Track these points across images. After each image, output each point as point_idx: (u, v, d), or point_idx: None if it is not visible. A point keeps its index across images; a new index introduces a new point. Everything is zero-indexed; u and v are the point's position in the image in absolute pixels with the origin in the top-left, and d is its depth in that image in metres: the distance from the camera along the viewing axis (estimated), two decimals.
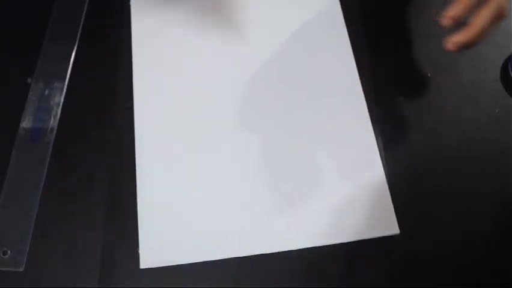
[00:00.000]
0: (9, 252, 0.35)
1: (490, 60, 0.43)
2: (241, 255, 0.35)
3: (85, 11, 0.45)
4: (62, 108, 0.41)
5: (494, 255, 0.36)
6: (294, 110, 0.40)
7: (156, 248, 0.35)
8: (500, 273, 0.35)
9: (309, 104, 0.40)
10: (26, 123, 0.40)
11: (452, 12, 0.35)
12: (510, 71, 0.42)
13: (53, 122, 0.40)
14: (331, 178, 0.38)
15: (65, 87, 0.42)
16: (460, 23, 0.35)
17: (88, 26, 0.44)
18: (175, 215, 0.36)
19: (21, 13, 0.45)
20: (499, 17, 0.35)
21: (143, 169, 0.38)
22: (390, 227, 0.36)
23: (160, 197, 0.37)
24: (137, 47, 0.42)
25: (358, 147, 0.39)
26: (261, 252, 0.35)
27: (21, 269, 0.35)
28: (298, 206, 0.37)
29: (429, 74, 0.42)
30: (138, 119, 0.40)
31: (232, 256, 0.35)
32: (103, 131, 0.40)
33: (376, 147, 0.39)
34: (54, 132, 0.40)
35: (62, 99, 0.41)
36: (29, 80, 0.42)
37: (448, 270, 0.35)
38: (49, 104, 0.41)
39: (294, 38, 0.43)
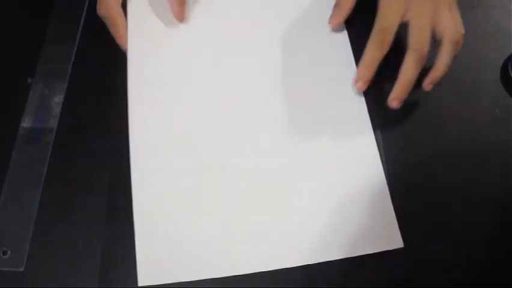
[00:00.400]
0: (9, 252, 0.35)
1: (490, 60, 0.43)
2: (238, 273, 0.34)
3: (85, 11, 0.45)
4: (62, 108, 0.41)
5: (494, 255, 0.36)
6: (292, 112, 0.40)
7: (154, 267, 0.34)
8: (500, 274, 0.35)
9: (308, 106, 0.40)
10: (26, 123, 0.40)
11: (364, 77, 0.39)
12: (510, 71, 0.42)
13: (53, 122, 0.40)
14: (330, 186, 0.37)
15: (66, 87, 0.42)
16: None
17: (88, 26, 0.44)
18: (173, 231, 0.35)
19: (21, 13, 0.45)
20: (423, 61, 0.38)
21: (140, 182, 0.37)
22: (394, 242, 0.35)
23: (158, 215, 0.36)
24: (133, 55, 0.42)
25: (358, 150, 0.38)
26: (260, 270, 0.34)
27: (21, 269, 0.35)
28: (298, 222, 0.36)
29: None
30: (133, 128, 0.39)
31: (230, 274, 0.34)
32: (103, 131, 0.40)
33: (376, 149, 0.38)
34: (55, 132, 0.40)
35: (62, 99, 0.41)
36: (29, 80, 0.42)
37: (448, 271, 0.35)
38: (49, 104, 0.41)
39: (294, 39, 0.43)
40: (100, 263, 0.35)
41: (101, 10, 0.40)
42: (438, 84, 0.39)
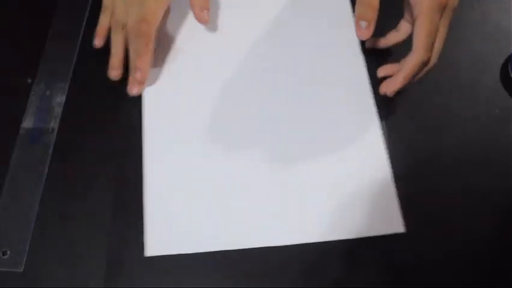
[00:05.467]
0: (8, 252, 0.35)
1: (490, 60, 0.43)
2: (244, 247, 0.35)
3: (87, 11, 0.45)
4: (64, 109, 0.41)
5: (493, 256, 0.36)
6: (300, 107, 0.40)
7: (161, 238, 0.35)
8: (499, 274, 0.35)
9: (315, 101, 0.41)
10: (27, 123, 0.40)
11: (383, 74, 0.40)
12: (510, 71, 0.42)
13: (54, 122, 0.40)
14: (336, 174, 0.38)
15: (67, 87, 0.42)
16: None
17: (90, 26, 0.44)
18: (181, 205, 0.37)
19: (23, 13, 0.46)
20: (425, 65, 0.37)
21: (151, 158, 0.38)
22: (395, 225, 0.36)
23: (168, 187, 0.37)
24: None
25: (364, 145, 0.39)
26: (264, 245, 0.35)
27: (20, 270, 0.35)
28: (303, 201, 0.37)
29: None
30: (147, 109, 0.40)
31: (236, 248, 0.35)
32: (104, 132, 0.40)
33: (382, 139, 0.39)
34: (55, 132, 0.40)
35: (63, 100, 0.41)
36: (29, 80, 0.42)
37: (449, 270, 0.35)
38: (50, 104, 0.41)
39: (303, 36, 0.43)
40: (99, 264, 0.35)
41: (143, 27, 0.39)
42: (439, 84, 0.40)
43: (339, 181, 0.37)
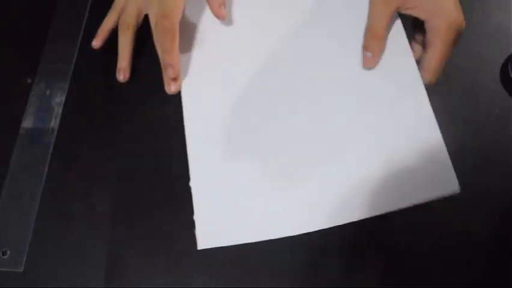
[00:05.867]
0: (8, 252, 0.35)
1: (490, 60, 0.43)
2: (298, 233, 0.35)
3: (87, 11, 0.45)
4: (64, 109, 0.41)
5: (493, 255, 0.36)
6: (348, 77, 0.40)
7: (212, 230, 0.35)
8: (499, 274, 0.35)
9: (358, 70, 0.40)
10: (27, 123, 0.40)
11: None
12: (510, 71, 0.42)
13: (54, 122, 0.40)
14: (383, 137, 0.37)
15: (67, 87, 0.42)
16: None
17: (90, 26, 0.44)
18: (226, 197, 0.36)
19: (23, 13, 0.46)
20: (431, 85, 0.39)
21: (196, 150, 0.37)
22: (450, 185, 0.35)
23: (213, 181, 0.37)
24: None
25: (410, 102, 0.38)
26: (316, 229, 0.35)
27: (20, 270, 0.35)
28: (352, 176, 0.36)
29: None
30: (186, 106, 0.39)
31: (291, 234, 0.35)
32: (105, 131, 0.40)
33: (427, 99, 0.38)
34: (55, 132, 0.40)
35: (63, 100, 0.41)
36: (28, 80, 0.42)
37: (449, 270, 0.35)
38: (50, 104, 0.41)
39: (346, 13, 0.42)
40: (99, 264, 0.35)
41: (166, 22, 0.38)
42: (439, 84, 0.40)
43: (386, 148, 0.37)
